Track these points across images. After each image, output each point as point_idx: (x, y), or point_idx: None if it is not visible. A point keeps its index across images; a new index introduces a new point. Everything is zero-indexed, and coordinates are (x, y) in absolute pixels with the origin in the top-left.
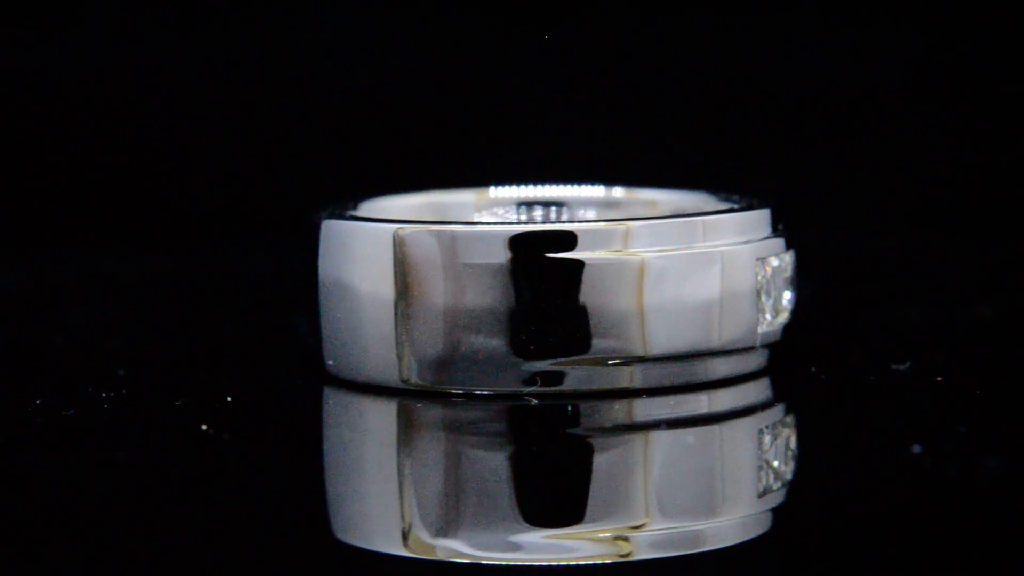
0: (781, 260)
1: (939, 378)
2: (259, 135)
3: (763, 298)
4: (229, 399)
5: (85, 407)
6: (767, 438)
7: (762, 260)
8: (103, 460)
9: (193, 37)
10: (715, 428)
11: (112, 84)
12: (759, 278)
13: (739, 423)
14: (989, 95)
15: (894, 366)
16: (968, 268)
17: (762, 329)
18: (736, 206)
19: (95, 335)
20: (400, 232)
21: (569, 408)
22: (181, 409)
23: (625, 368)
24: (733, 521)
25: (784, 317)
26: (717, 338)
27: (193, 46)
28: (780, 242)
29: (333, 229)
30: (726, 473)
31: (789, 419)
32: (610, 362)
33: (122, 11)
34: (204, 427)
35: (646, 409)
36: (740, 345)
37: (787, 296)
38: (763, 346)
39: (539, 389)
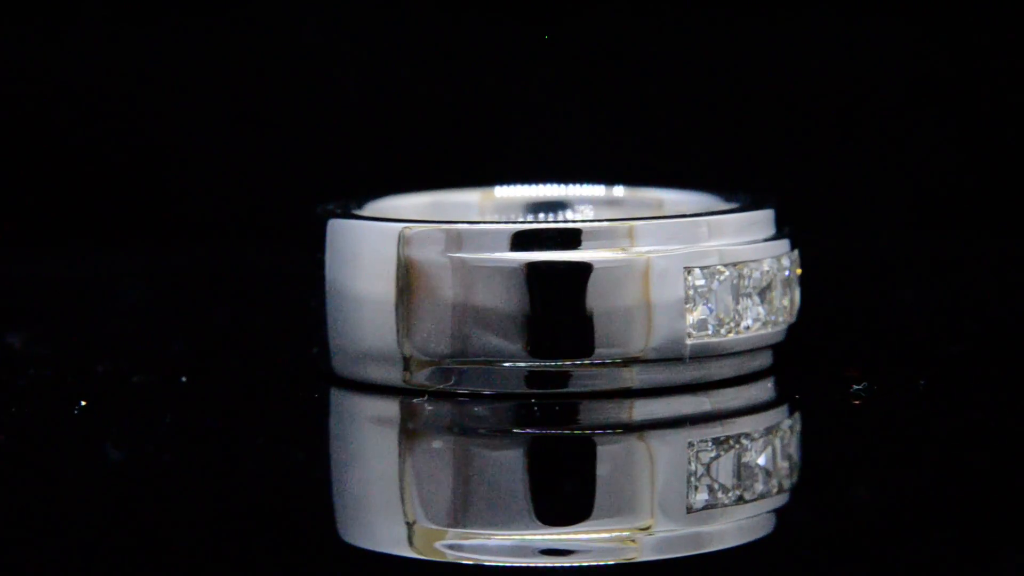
0: (732, 270)
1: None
2: (264, 135)
3: (698, 307)
4: (183, 379)
5: (83, 406)
6: (707, 451)
7: (703, 269)
8: (101, 459)
9: (199, 36)
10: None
11: (120, 83)
12: (687, 287)
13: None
14: (990, 94)
15: (854, 387)
16: (968, 268)
17: (692, 341)
18: (741, 205)
19: (95, 334)
20: (405, 231)
21: (426, 405)
22: (179, 408)
23: (626, 369)
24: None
25: (746, 331)
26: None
27: (200, 45)
28: (785, 242)
29: (338, 229)
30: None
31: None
32: (613, 361)
33: (127, 9)
34: (82, 403)
35: (645, 409)
36: (667, 355)
37: (747, 304)
38: (693, 358)
39: (445, 387)
